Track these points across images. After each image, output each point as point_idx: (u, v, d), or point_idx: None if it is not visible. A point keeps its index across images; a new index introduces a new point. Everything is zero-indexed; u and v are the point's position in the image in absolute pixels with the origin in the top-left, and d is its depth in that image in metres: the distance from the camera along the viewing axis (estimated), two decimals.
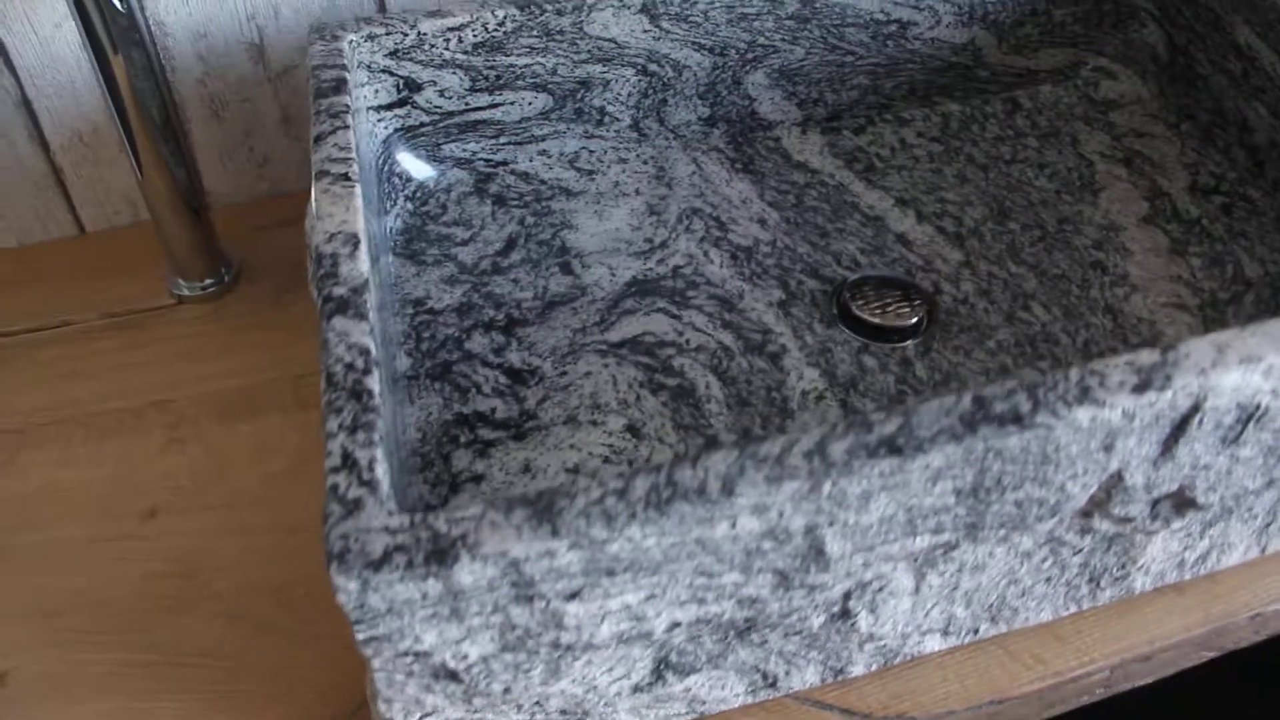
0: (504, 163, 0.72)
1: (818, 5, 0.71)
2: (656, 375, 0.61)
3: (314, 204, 0.55)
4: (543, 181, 0.71)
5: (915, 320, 0.64)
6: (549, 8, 0.67)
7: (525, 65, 0.68)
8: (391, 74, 0.67)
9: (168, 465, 0.63)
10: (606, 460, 0.58)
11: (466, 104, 0.69)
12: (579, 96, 0.70)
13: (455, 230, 0.69)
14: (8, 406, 0.66)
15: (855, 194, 0.72)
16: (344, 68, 0.63)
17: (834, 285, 0.66)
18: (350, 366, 0.47)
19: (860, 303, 0.64)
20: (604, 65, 0.70)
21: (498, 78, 0.69)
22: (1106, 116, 0.77)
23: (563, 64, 0.69)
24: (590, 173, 0.72)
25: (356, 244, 0.53)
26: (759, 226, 0.69)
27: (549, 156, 0.72)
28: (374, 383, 0.47)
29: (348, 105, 0.60)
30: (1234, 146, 0.74)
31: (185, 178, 0.67)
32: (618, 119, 0.72)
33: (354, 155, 0.57)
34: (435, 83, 0.68)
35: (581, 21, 0.68)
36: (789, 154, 0.74)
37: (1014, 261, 0.68)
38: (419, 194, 0.70)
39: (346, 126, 0.59)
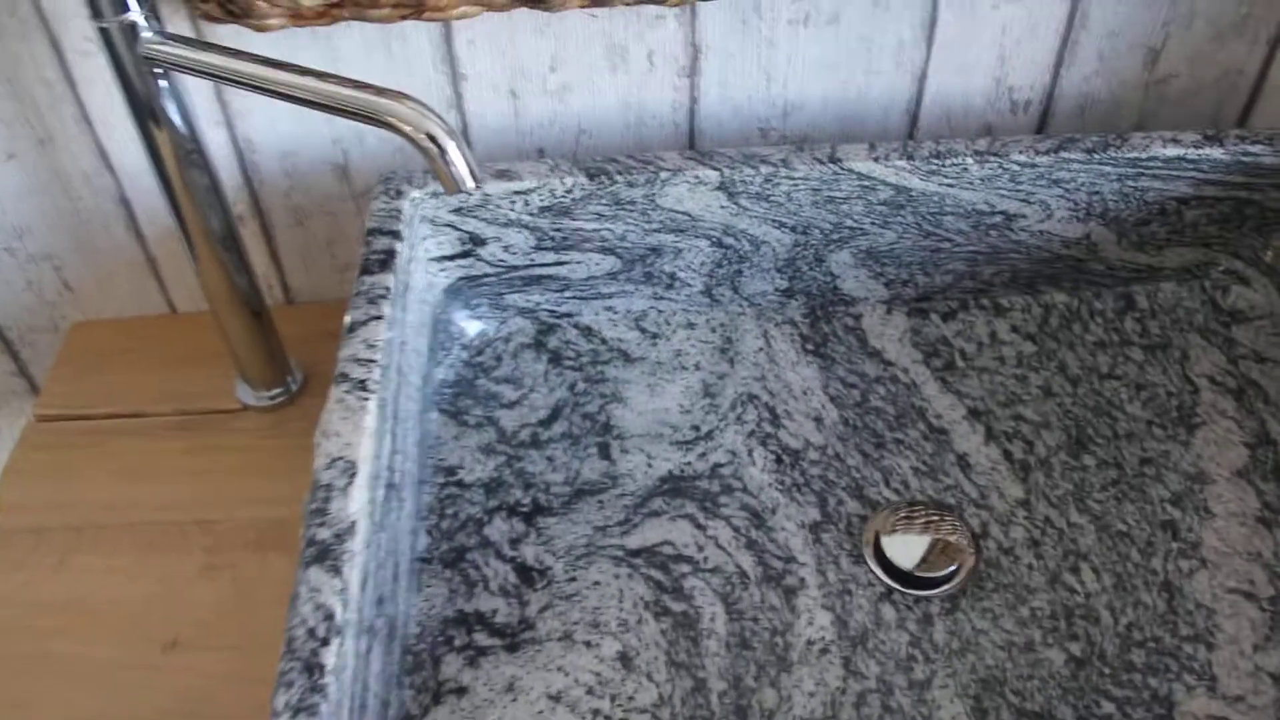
0: (568, 314, 0.70)
1: (913, 194, 0.66)
2: (664, 597, 0.60)
3: (325, 415, 0.55)
4: (604, 340, 0.70)
5: (949, 571, 0.61)
6: (620, 179, 0.64)
7: (593, 230, 0.67)
8: (455, 229, 0.66)
9: (198, 593, 0.66)
10: (590, 691, 0.57)
11: (531, 260, 0.68)
12: (649, 261, 0.68)
13: (504, 389, 0.68)
14: (77, 497, 0.70)
15: (926, 397, 0.68)
16: (397, 235, 0.62)
17: (874, 512, 0.63)
18: (312, 633, 0.48)
19: (896, 537, 0.61)
20: (676, 235, 0.67)
21: (564, 239, 0.67)
22: (1229, 330, 0.70)
23: (632, 231, 0.67)
24: (654, 336, 0.70)
25: (354, 474, 0.53)
26: (814, 426, 0.67)
27: (615, 313, 0.71)
28: (331, 655, 0.48)
29: (389, 289, 0.60)
30: None
31: (247, 285, 0.68)
32: (689, 284, 0.70)
33: (379, 355, 0.57)
34: (500, 239, 0.67)
35: (654, 194, 0.65)
36: (866, 337, 0.70)
37: (1077, 508, 0.63)
38: (477, 342, 0.70)
39: (381, 317, 0.59)
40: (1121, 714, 0.57)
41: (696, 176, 0.65)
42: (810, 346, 0.70)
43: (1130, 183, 0.67)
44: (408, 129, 0.49)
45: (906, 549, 0.61)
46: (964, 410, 0.67)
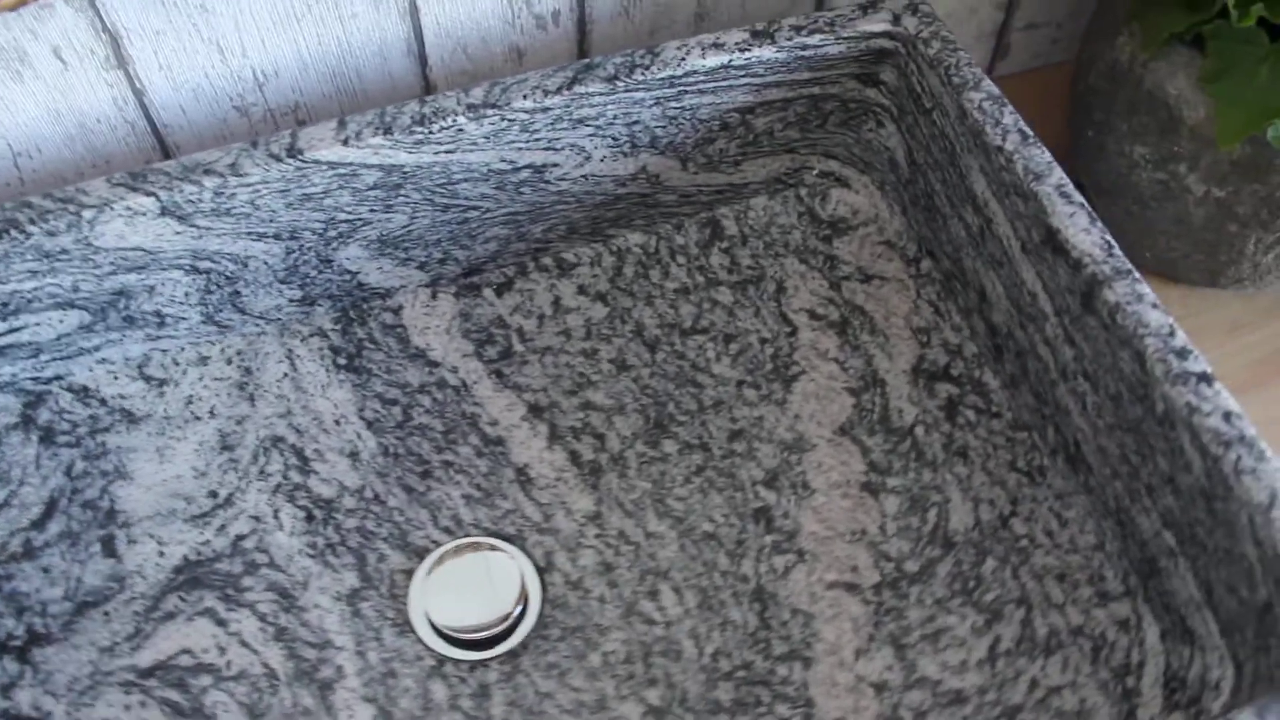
0: (57, 378, 0.59)
1: (408, 170, 0.55)
2: None
3: None
4: (103, 401, 0.58)
5: (504, 624, 0.52)
6: (34, 230, 0.52)
7: (34, 289, 0.54)
8: None
9: None
10: None
11: None
12: (120, 306, 0.56)
13: None
14: None
15: (479, 400, 0.58)
16: None
17: (420, 562, 0.54)
18: None
19: (445, 592, 0.52)
20: (139, 273, 0.55)
21: (4, 305, 0.55)
22: (830, 247, 0.60)
23: (84, 280, 0.55)
24: (162, 383, 0.59)
25: None
26: (349, 464, 0.56)
27: (111, 364, 0.59)
28: None
29: None
30: (974, 314, 0.57)
31: None
32: (183, 318, 0.58)
33: None
34: None
35: (87, 237, 0.53)
36: (409, 334, 0.59)
37: (657, 511, 0.54)
38: None
39: None
40: None
41: (129, 207, 0.52)
42: (343, 360, 0.59)
43: (674, 104, 0.56)
44: None
45: (458, 606, 0.52)
46: (523, 409, 0.57)
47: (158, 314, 0.57)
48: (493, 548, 0.53)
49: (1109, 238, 0.51)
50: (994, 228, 0.54)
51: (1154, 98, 0.58)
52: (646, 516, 0.54)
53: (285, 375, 0.59)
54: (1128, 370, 0.50)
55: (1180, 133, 0.58)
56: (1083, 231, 0.51)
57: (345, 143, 0.53)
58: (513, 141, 0.55)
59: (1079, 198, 0.52)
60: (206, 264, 0.56)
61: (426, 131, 0.53)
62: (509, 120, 0.54)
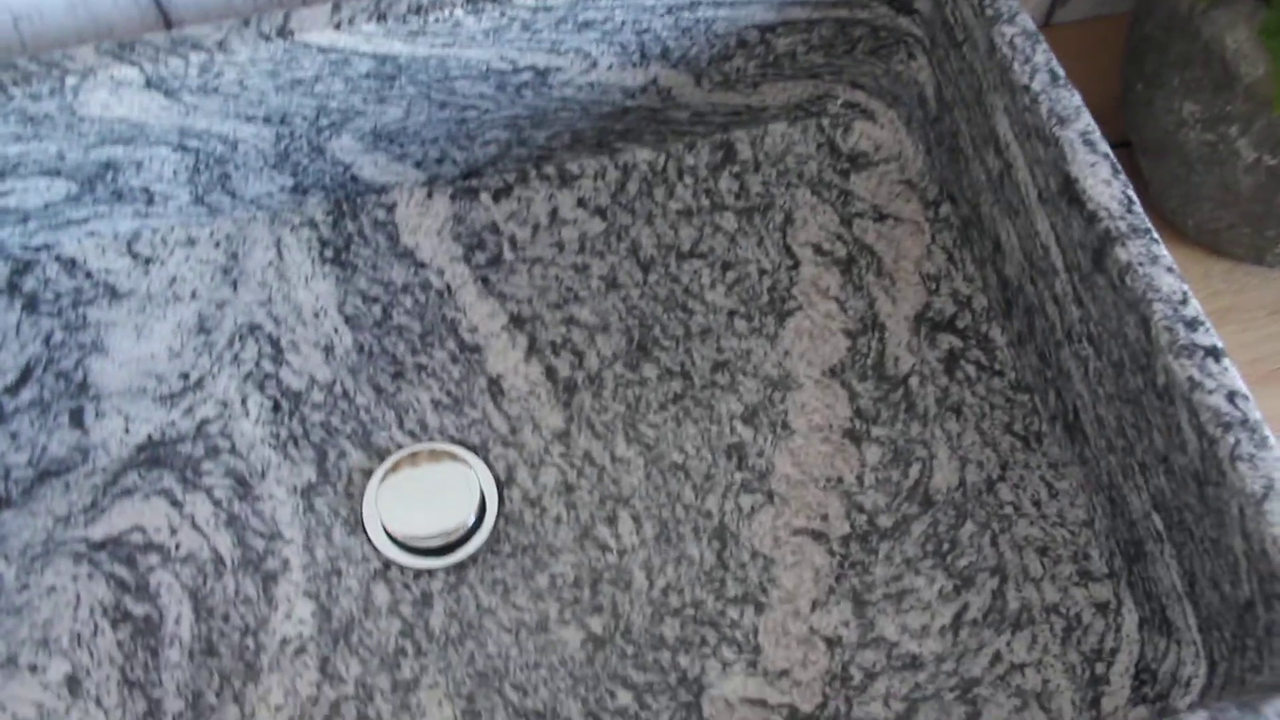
0: (45, 247, 0.58)
1: (402, 61, 0.53)
2: (126, 599, 0.51)
3: None
4: (89, 274, 0.58)
5: (456, 534, 0.50)
6: (17, 92, 0.51)
7: (20, 153, 0.54)
8: None
9: None
10: None
11: None
12: (109, 180, 0.56)
13: None
14: None
15: (461, 305, 0.56)
16: None
17: (380, 464, 0.52)
18: None
19: (401, 495, 0.51)
20: (126, 146, 0.54)
21: None
22: (846, 181, 0.57)
23: (70, 150, 0.54)
24: (148, 261, 0.58)
25: None
26: (322, 357, 0.55)
27: (101, 238, 0.58)
28: None
29: None
30: (988, 265, 0.54)
31: None
32: (173, 197, 0.57)
33: None
34: None
35: (71, 105, 0.52)
36: (399, 233, 0.58)
37: (627, 436, 0.52)
38: None
39: None
40: (639, 704, 0.48)
41: (114, 77, 0.51)
42: (330, 253, 0.57)
43: (687, 14, 0.53)
44: None
45: (412, 510, 0.51)
46: (505, 318, 0.55)
47: (146, 191, 0.56)
48: (454, 456, 0.52)
49: (1131, 193, 0.47)
50: (1014, 173, 0.51)
51: (1210, 50, 0.54)
52: (615, 440, 0.52)
53: (270, 263, 0.57)
54: (1132, 337, 0.46)
55: (1235, 90, 0.53)
56: (1103, 183, 0.47)
57: (338, 27, 0.51)
58: (513, 41, 0.53)
59: (1105, 148, 0.48)
60: (195, 143, 0.54)
61: (422, 21, 0.51)
62: (509, 17, 0.52)
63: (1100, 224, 0.47)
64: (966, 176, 0.55)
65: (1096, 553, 0.50)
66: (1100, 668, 0.48)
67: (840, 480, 0.51)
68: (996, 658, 0.48)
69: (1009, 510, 0.51)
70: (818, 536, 0.50)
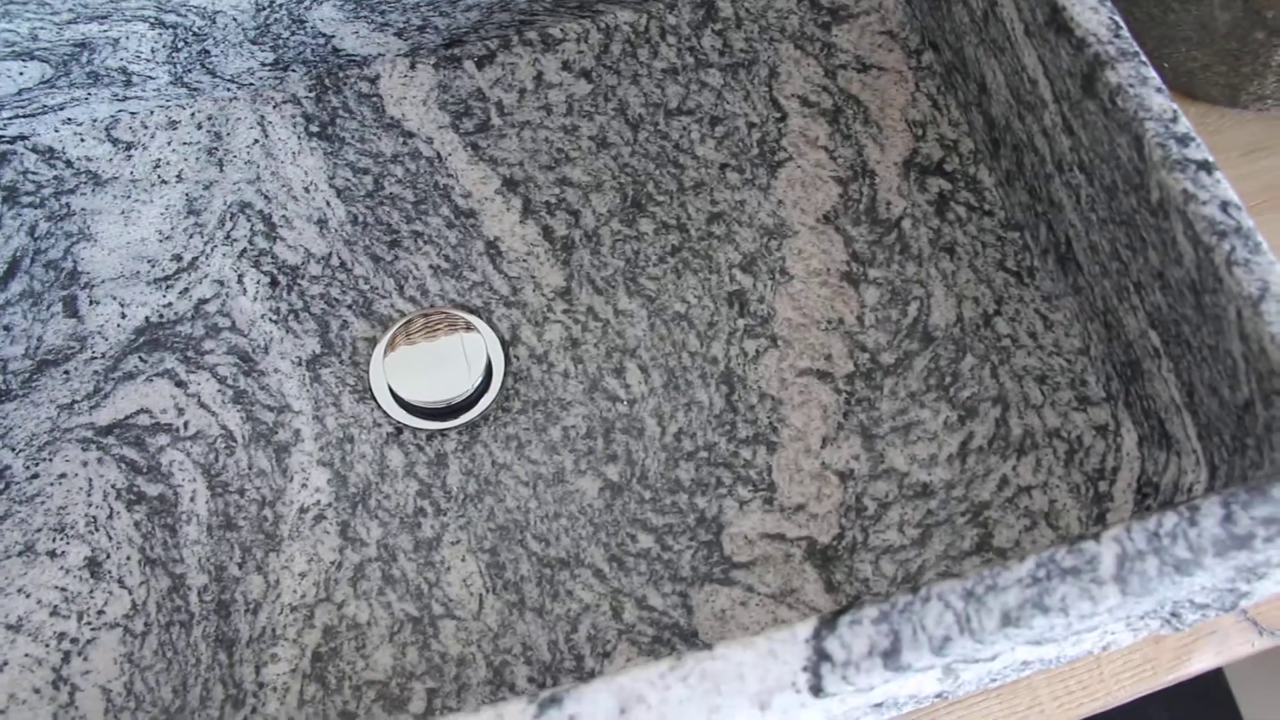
0: (21, 137, 0.57)
1: None
2: (139, 480, 0.51)
3: None
4: (69, 163, 0.57)
5: (465, 395, 0.51)
6: None
7: None
8: None
9: None
10: (54, 612, 0.49)
11: None
12: (84, 61, 0.54)
13: None
14: None
15: (453, 171, 0.56)
16: None
17: (384, 331, 0.53)
18: None
19: (407, 361, 0.51)
20: (100, 23, 0.53)
21: None
22: (828, 34, 0.57)
23: (41, 28, 0.53)
24: (129, 146, 0.57)
25: None
26: (316, 231, 0.55)
27: (78, 125, 0.57)
28: None
29: None
30: (973, 107, 0.54)
31: None
32: (151, 77, 0.56)
33: None
34: None
35: None
36: (384, 105, 0.57)
37: (628, 290, 0.53)
38: None
39: None
40: (660, 546, 0.48)
41: None
42: (315, 128, 0.57)
43: None
44: None
45: (420, 375, 0.51)
46: (498, 181, 0.55)
47: (124, 71, 0.55)
48: (457, 319, 0.52)
49: (1118, 18, 0.48)
50: (998, 9, 0.51)
51: None
52: (617, 294, 0.53)
53: (256, 141, 0.57)
54: (1125, 158, 0.47)
55: None
56: (1089, 10, 0.48)
57: None
58: None
59: None
60: (172, 17, 0.53)
61: None
62: None
63: (1089, 49, 0.47)
64: (949, 21, 0.55)
65: (1093, 378, 0.52)
66: (1103, 486, 0.50)
67: (841, 321, 0.52)
68: (1003, 482, 0.50)
69: (1006, 342, 0.52)
70: (823, 376, 0.51)
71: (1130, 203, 0.47)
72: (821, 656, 0.35)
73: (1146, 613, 0.43)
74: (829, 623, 0.35)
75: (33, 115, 0.56)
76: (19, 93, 0.55)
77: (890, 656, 0.35)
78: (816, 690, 0.34)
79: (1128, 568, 0.34)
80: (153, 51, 0.55)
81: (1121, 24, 0.48)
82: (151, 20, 0.53)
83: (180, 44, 0.55)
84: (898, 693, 0.39)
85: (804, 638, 0.35)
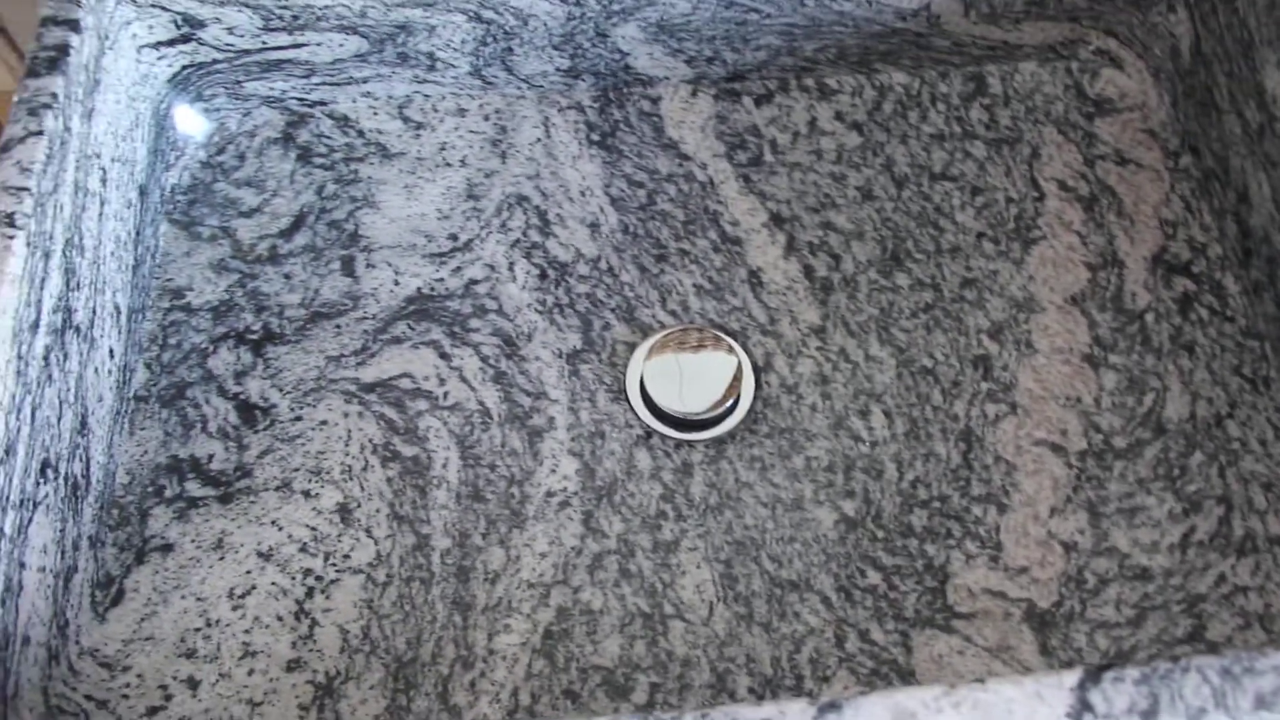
0: (321, 103, 0.61)
1: None
2: (395, 439, 0.54)
3: None
4: (361, 133, 0.60)
5: (718, 412, 0.53)
6: None
7: (325, 6, 0.56)
8: (165, 9, 0.56)
9: None
10: (304, 549, 0.52)
11: (263, 43, 0.58)
12: (400, 41, 0.58)
13: (244, 193, 0.59)
14: None
15: (723, 199, 0.59)
16: (74, 26, 0.52)
17: (644, 338, 0.55)
18: None
19: (664, 370, 0.53)
20: (424, 9, 0.56)
21: (294, 17, 0.57)
22: (1091, 124, 0.60)
23: (372, 6, 0.56)
24: (419, 126, 0.60)
25: None
26: (588, 233, 0.58)
27: (374, 99, 0.61)
28: None
29: (56, 95, 0.51)
30: (1228, 215, 0.57)
31: None
32: (453, 65, 0.59)
33: (33, 181, 0.48)
34: (220, 20, 0.56)
35: None
36: (664, 125, 0.60)
37: (880, 338, 0.55)
38: (216, 139, 0.60)
39: (41, 132, 0.50)
40: (887, 585, 0.51)
41: None
42: (596, 136, 0.60)
43: None
44: None
45: (674, 385, 0.54)
46: (765, 215, 0.58)
47: (431, 56, 0.59)
48: (721, 340, 0.54)
49: None
50: (1276, 126, 0.54)
51: None
52: (869, 340, 0.55)
53: (538, 140, 0.60)
54: None
55: None
56: None
57: None
58: None
59: None
60: (490, 13, 0.57)
61: None
62: None
63: None
64: (1216, 129, 0.57)
65: None
66: None
67: (1079, 400, 0.54)
68: (1221, 579, 0.52)
69: (1236, 445, 0.54)
70: (1057, 449, 0.53)
71: None
72: (1084, 706, 0.37)
73: None
74: (1094, 675, 0.37)
75: (338, 85, 0.60)
76: (333, 62, 0.59)
77: (1148, 717, 0.37)
78: None
79: None
80: (462, 42, 0.58)
81: None
82: (471, 14, 0.57)
83: (489, 39, 0.58)
84: None
85: (1070, 685, 0.37)
